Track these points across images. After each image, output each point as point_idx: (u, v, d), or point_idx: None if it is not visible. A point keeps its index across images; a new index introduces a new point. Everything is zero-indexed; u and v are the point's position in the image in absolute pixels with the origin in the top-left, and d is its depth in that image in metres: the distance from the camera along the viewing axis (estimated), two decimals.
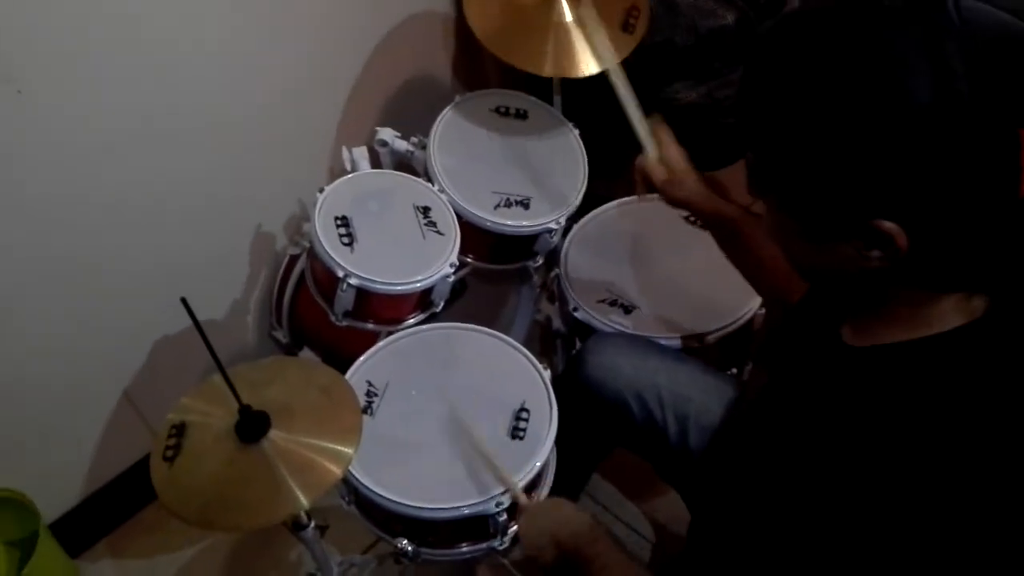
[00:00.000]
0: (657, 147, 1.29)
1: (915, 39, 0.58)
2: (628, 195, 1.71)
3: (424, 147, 1.65)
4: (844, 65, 0.60)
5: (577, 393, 1.33)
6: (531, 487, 1.30)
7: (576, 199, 1.65)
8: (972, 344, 0.67)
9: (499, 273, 1.75)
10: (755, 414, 0.77)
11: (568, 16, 1.58)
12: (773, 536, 0.69)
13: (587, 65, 1.56)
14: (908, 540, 0.63)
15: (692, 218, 1.66)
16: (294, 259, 1.66)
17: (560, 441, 1.29)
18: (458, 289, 1.64)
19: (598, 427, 1.36)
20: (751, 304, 1.48)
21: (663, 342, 1.42)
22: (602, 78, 1.45)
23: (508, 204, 1.61)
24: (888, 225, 0.62)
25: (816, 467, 0.67)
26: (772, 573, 0.70)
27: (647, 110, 1.42)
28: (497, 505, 1.22)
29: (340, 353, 1.52)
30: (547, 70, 1.58)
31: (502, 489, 1.22)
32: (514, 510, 1.21)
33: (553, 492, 1.34)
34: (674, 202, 1.28)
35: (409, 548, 1.27)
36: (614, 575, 0.95)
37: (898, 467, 0.63)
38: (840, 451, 0.66)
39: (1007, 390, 0.64)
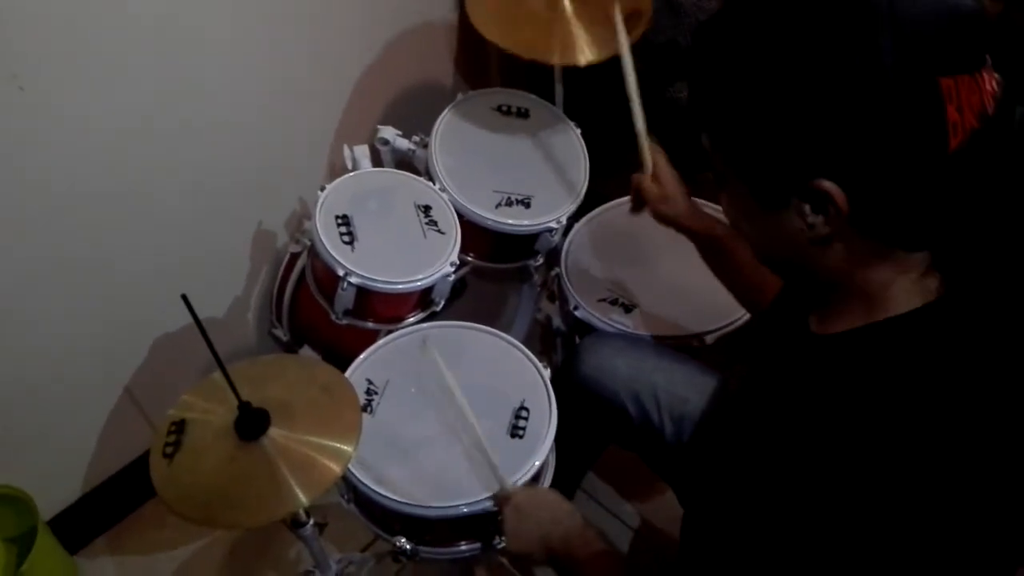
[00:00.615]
0: (652, 165, 1.34)
1: (850, 10, 0.62)
2: (629, 194, 1.71)
3: (425, 146, 1.65)
4: (784, 31, 0.65)
5: (572, 392, 1.33)
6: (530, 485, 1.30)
7: (577, 198, 1.65)
8: (926, 326, 0.69)
9: (500, 272, 1.75)
10: (732, 406, 0.78)
11: (569, 7, 1.58)
12: (750, 525, 0.71)
13: (593, 53, 1.57)
14: (876, 527, 0.64)
15: None
16: (295, 257, 1.66)
17: (560, 437, 1.30)
18: (459, 288, 1.64)
19: (593, 425, 1.36)
20: None
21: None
22: (604, 75, 1.45)
23: (509, 203, 1.61)
24: (827, 184, 0.65)
25: (785, 456, 0.69)
26: (752, 563, 0.71)
27: (650, 110, 1.42)
28: (495, 504, 1.22)
29: (340, 351, 1.52)
30: (555, 59, 1.58)
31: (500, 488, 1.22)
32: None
33: (553, 489, 1.34)
34: (663, 220, 1.32)
35: (408, 546, 1.27)
36: (600, 568, 0.96)
37: (857, 451, 0.65)
38: (806, 438, 0.68)
39: (961, 370, 0.66)
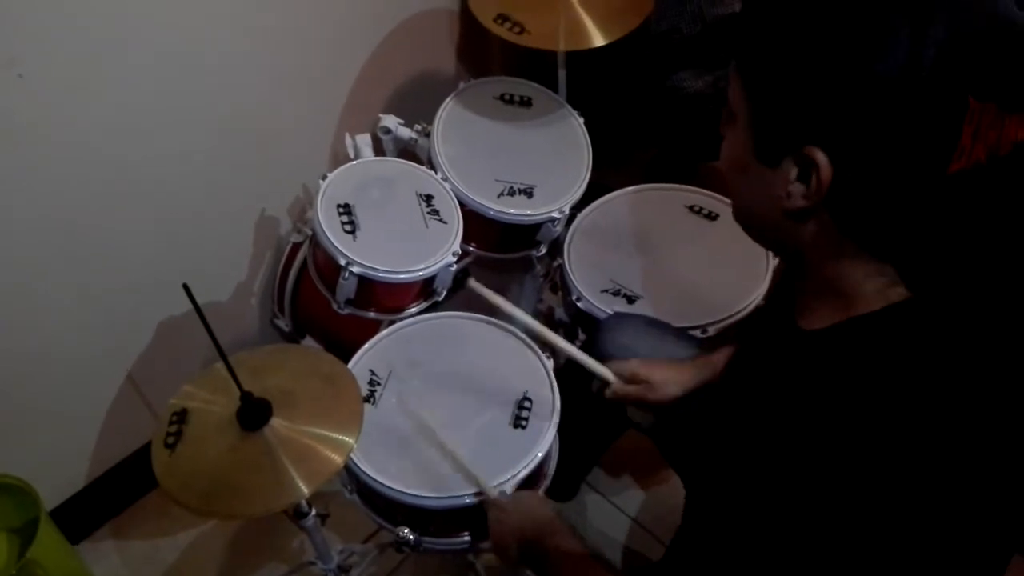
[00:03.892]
0: (615, 375, 1.26)
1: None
2: (633, 184, 1.70)
3: (428, 135, 1.64)
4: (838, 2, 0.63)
5: (591, 374, 1.31)
6: (533, 476, 1.30)
7: (580, 188, 1.65)
8: (901, 322, 0.68)
9: (502, 262, 1.74)
10: (716, 394, 0.78)
11: None
12: (727, 516, 0.71)
13: (597, 37, 1.56)
14: (849, 522, 0.64)
15: (697, 207, 1.65)
16: (296, 247, 1.65)
17: (565, 428, 1.29)
18: (461, 278, 1.63)
19: (608, 408, 1.34)
20: (754, 295, 1.48)
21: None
22: (607, 65, 1.45)
23: (512, 193, 1.60)
24: (819, 155, 0.64)
25: (761, 448, 0.69)
26: (730, 555, 0.71)
27: (652, 99, 1.41)
28: (499, 494, 1.21)
29: (342, 341, 1.52)
30: (560, 45, 1.58)
31: (505, 478, 1.21)
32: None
33: (555, 481, 1.34)
34: (675, 399, 1.23)
35: (410, 537, 1.27)
36: (568, 565, 0.96)
37: (831, 446, 0.65)
38: (782, 430, 0.68)
39: (934, 367, 0.66)
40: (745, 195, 0.76)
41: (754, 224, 0.77)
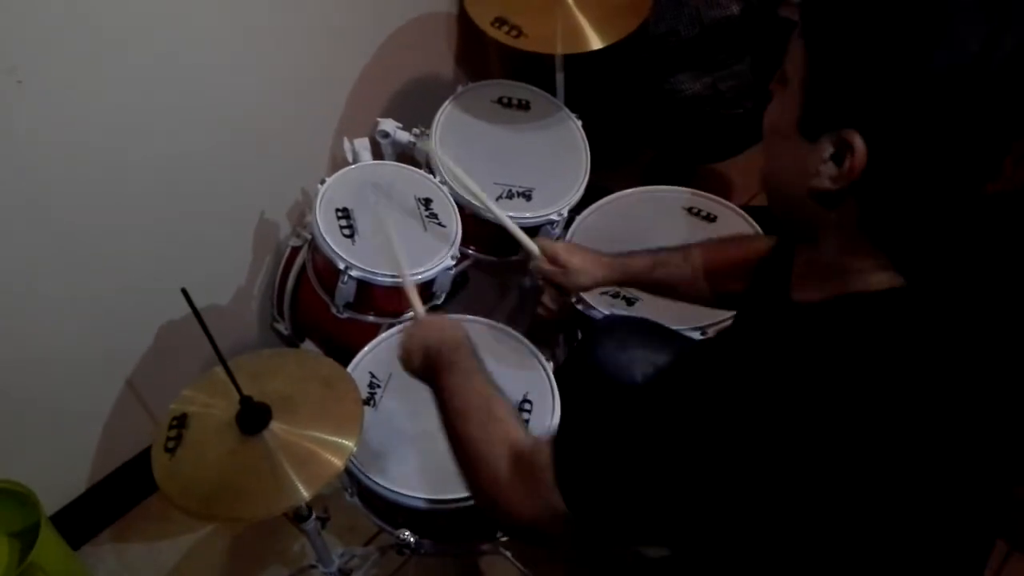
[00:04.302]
0: (541, 249, 1.32)
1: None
2: (631, 186, 1.70)
3: (427, 138, 1.64)
4: None
5: (586, 375, 1.32)
6: None
7: (578, 191, 1.65)
8: (887, 305, 0.68)
9: (501, 265, 1.75)
10: (702, 353, 0.77)
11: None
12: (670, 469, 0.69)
13: (595, 40, 1.57)
14: (814, 498, 0.64)
15: (696, 209, 1.65)
16: (295, 251, 1.65)
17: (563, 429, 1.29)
18: (460, 281, 1.64)
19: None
20: None
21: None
22: (605, 67, 1.45)
23: (510, 195, 1.60)
24: (858, 140, 0.62)
25: (741, 409, 0.67)
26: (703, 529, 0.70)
27: (650, 102, 1.41)
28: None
29: (342, 345, 1.52)
30: (558, 48, 1.58)
31: None
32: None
33: None
34: (583, 289, 1.31)
35: (411, 539, 1.27)
36: (461, 379, 0.92)
37: (808, 415, 0.64)
38: (764, 395, 0.66)
39: (926, 349, 0.65)
40: (777, 160, 0.74)
41: (778, 191, 0.75)
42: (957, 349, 0.66)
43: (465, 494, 1.21)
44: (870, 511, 0.65)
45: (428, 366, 0.98)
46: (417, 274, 1.43)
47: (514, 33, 1.58)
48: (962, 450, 0.67)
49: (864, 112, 0.62)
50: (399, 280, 1.41)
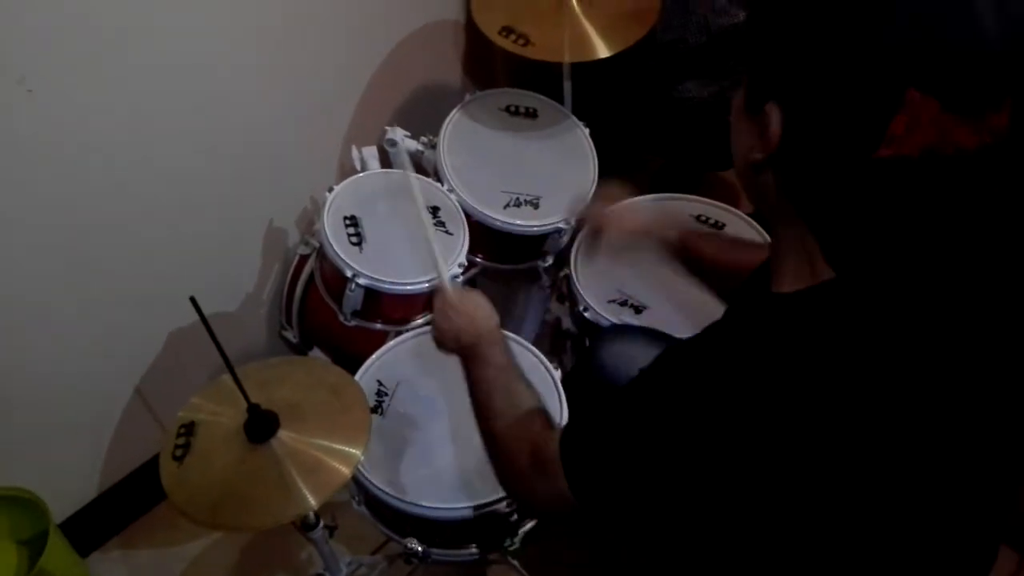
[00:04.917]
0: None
1: None
2: (639, 194, 1.70)
3: (434, 146, 1.65)
4: None
5: (590, 385, 1.32)
6: None
7: (586, 198, 1.65)
8: (819, 302, 0.69)
9: (509, 273, 1.75)
10: (685, 349, 0.79)
11: (577, 7, 1.59)
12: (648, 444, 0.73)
13: (602, 48, 1.58)
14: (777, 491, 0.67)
15: (704, 217, 1.65)
16: (304, 259, 1.66)
17: None
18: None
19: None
20: None
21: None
22: (613, 75, 1.45)
23: (518, 203, 1.60)
24: (775, 111, 0.67)
25: (710, 390, 0.69)
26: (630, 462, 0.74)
27: (658, 109, 1.41)
28: (507, 506, 1.21)
29: (350, 353, 1.52)
30: (565, 57, 1.59)
31: None
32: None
33: None
34: (628, 230, 1.32)
35: (419, 548, 1.27)
36: (492, 373, 1.00)
37: (767, 401, 0.66)
38: (730, 381, 0.69)
39: (851, 341, 0.67)
40: (735, 138, 0.77)
41: (736, 169, 0.78)
42: (883, 341, 0.67)
43: (472, 503, 1.21)
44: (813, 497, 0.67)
45: (462, 355, 1.05)
46: (425, 282, 1.43)
47: (521, 42, 1.58)
48: (899, 437, 0.68)
49: (779, 81, 0.67)
50: (419, 287, 1.41)
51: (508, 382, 0.99)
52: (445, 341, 1.08)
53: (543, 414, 0.94)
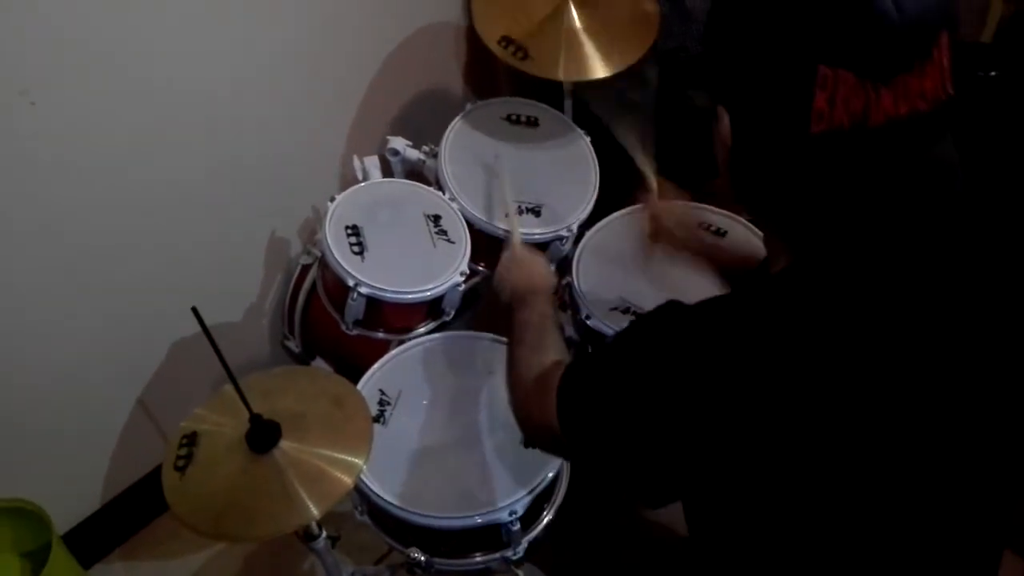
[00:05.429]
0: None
1: None
2: (640, 203, 1.70)
3: (435, 156, 1.65)
4: None
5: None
6: (544, 496, 1.29)
7: (588, 206, 1.65)
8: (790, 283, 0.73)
9: None
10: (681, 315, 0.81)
11: (578, 22, 1.58)
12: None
13: (599, 68, 1.58)
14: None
15: (707, 225, 1.65)
16: (306, 269, 1.66)
17: None
18: (470, 298, 1.63)
19: None
20: None
21: None
22: (612, 84, 1.46)
23: (520, 211, 1.60)
24: (724, 115, 0.73)
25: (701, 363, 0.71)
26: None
27: (660, 116, 1.42)
28: (510, 514, 1.21)
29: (352, 362, 1.52)
30: (560, 74, 1.59)
31: (518, 496, 1.21)
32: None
33: (567, 499, 1.33)
34: (679, 236, 1.37)
35: (421, 558, 1.27)
36: (531, 317, 1.09)
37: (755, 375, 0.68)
38: (719, 355, 0.71)
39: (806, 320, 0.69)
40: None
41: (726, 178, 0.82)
42: (841, 316, 0.69)
43: (475, 512, 1.21)
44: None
45: (513, 303, 1.15)
46: (427, 291, 1.43)
47: (520, 55, 1.59)
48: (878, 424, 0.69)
49: (721, 85, 0.74)
50: (420, 296, 1.41)
51: (543, 328, 1.07)
52: (502, 289, 1.20)
53: (563, 353, 1.01)
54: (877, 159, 0.65)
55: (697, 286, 1.55)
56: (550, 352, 1.00)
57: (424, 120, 1.89)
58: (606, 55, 1.59)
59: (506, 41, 1.60)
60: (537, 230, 1.59)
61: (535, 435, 0.98)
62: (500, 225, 1.57)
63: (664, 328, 0.76)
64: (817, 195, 0.68)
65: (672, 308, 0.77)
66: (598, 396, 0.79)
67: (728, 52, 0.71)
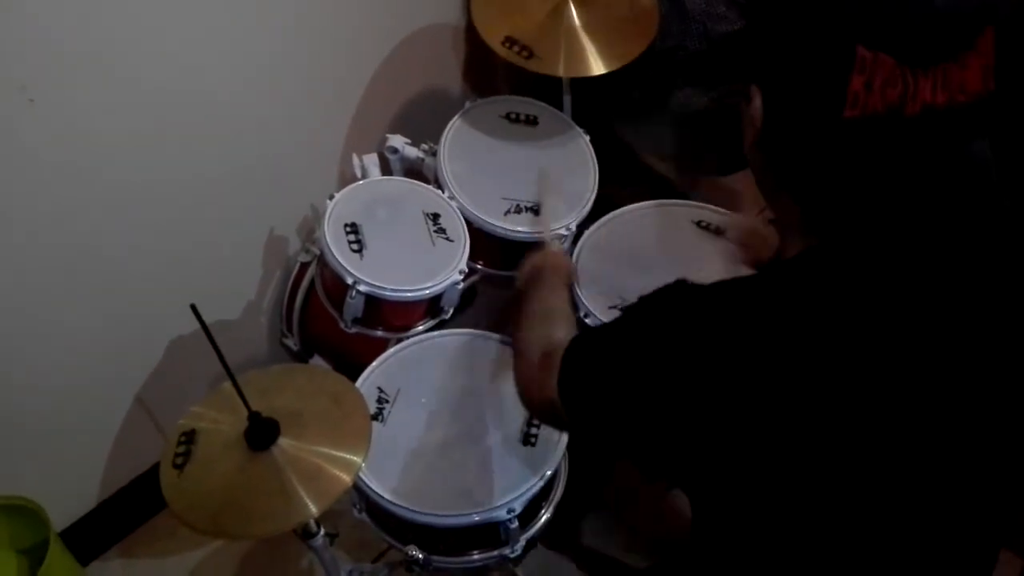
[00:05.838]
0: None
1: None
2: (638, 200, 1.71)
3: (434, 154, 1.65)
4: None
5: None
6: (543, 495, 1.29)
7: (587, 205, 1.65)
8: (809, 266, 0.72)
9: (510, 280, 1.74)
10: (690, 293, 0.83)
11: (577, 20, 1.59)
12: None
13: (599, 65, 1.58)
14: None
15: (704, 223, 1.65)
16: (304, 267, 1.66)
17: (573, 444, 1.29)
18: (468, 296, 1.64)
19: None
20: None
21: None
22: (611, 83, 1.46)
23: (518, 210, 1.60)
24: (756, 96, 0.72)
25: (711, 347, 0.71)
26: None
27: (657, 116, 1.42)
28: (508, 512, 1.21)
29: (351, 361, 1.52)
30: (560, 71, 1.59)
31: (515, 495, 1.21)
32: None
33: (565, 497, 1.33)
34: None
35: (420, 556, 1.27)
36: (542, 291, 1.11)
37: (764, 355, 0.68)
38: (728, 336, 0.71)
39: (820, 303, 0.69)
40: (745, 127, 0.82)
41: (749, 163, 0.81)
42: (856, 299, 0.68)
43: (473, 510, 1.21)
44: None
45: (531, 279, 1.17)
46: (425, 289, 1.43)
47: (525, 54, 1.59)
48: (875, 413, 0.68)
49: (757, 66, 0.72)
50: (419, 294, 1.41)
51: (556, 306, 1.08)
52: (524, 269, 1.22)
53: (570, 330, 1.01)
54: (909, 149, 0.64)
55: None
56: (560, 329, 1.00)
57: (423, 118, 1.89)
58: (606, 52, 1.59)
59: (510, 41, 1.60)
60: (536, 229, 1.58)
61: (536, 409, 0.99)
62: (499, 224, 1.57)
63: (671, 305, 0.77)
64: (844, 180, 0.68)
65: (680, 286, 0.78)
66: (600, 368, 0.79)
67: (769, 29, 0.71)
